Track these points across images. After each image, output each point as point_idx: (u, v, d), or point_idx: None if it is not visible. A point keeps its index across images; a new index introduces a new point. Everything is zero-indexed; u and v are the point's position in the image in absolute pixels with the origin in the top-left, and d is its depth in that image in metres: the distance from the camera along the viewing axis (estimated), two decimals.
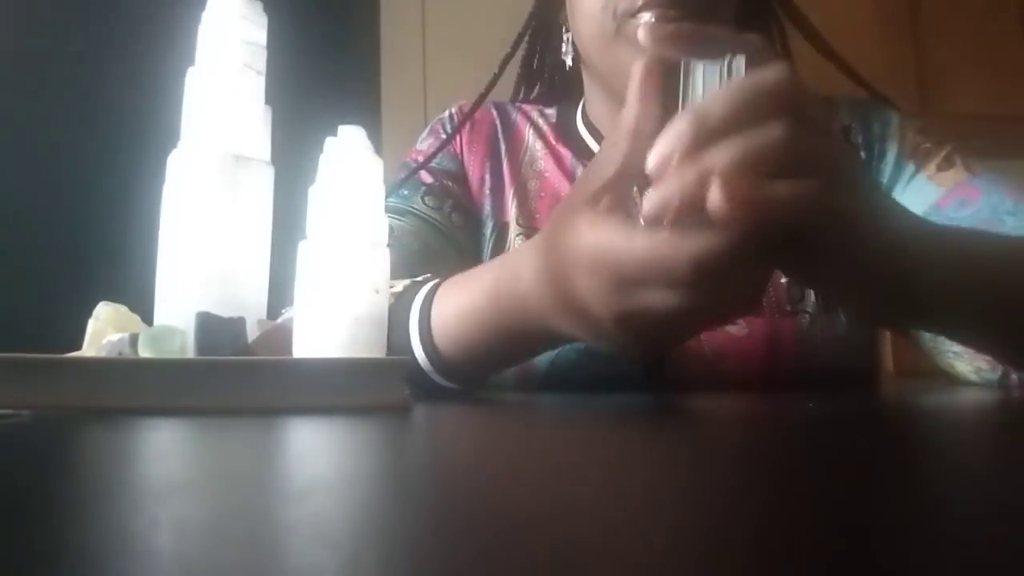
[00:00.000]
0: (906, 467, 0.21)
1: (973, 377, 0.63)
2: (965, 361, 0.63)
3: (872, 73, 0.72)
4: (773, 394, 0.57)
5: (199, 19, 0.43)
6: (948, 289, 0.42)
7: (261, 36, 0.44)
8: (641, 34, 0.39)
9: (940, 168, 0.65)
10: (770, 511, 0.15)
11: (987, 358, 0.60)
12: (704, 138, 0.35)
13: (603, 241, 0.38)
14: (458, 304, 0.50)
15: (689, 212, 0.34)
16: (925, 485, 0.18)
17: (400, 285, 0.55)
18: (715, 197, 0.33)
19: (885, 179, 0.68)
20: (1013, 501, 0.16)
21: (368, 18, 1.94)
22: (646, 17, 0.59)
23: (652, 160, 0.36)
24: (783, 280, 0.67)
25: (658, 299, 0.37)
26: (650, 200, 0.35)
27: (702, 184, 0.34)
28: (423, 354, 0.52)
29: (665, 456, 0.24)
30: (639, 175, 0.38)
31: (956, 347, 0.63)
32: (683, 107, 0.38)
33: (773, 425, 0.36)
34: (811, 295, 0.67)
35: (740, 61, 0.37)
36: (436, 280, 0.54)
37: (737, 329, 0.65)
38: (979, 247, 0.46)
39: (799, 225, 0.35)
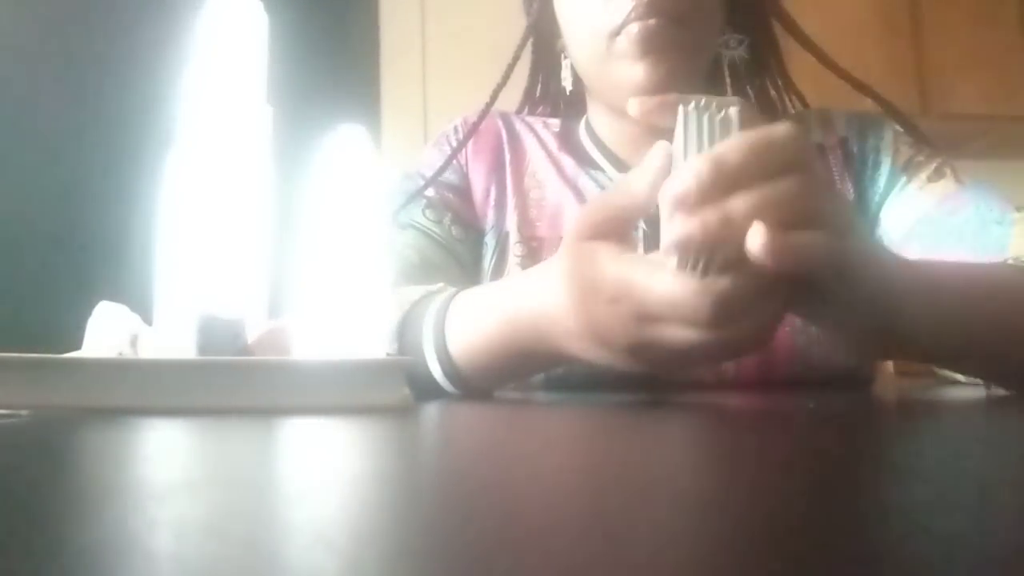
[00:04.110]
0: (902, 465, 0.21)
1: (962, 378, 0.65)
2: None
3: (872, 73, 0.73)
4: (772, 393, 0.57)
5: (199, 19, 0.43)
6: (931, 323, 0.45)
7: (261, 36, 0.44)
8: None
9: (931, 179, 0.68)
10: (768, 511, 0.15)
11: None
12: (722, 185, 0.37)
13: (626, 275, 0.40)
14: (474, 316, 0.52)
15: (709, 253, 0.37)
16: (919, 483, 0.18)
17: (416, 293, 0.56)
18: (755, 242, 0.35)
19: (880, 189, 0.71)
20: (1002, 497, 0.16)
21: (368, 18, 1.94)
22: (633, 28, 0.61)
23: (668, 199, 0.38)
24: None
25: (676, 334, 0.40)
26: (671, 238, 0.38)
27: (724, 227, 0.36)
28: (436, 360, 0.53)
29: (665, 455, 0.24)
30: (645, 214, 0.42)
31: None
32: (685, 153, 0.40)
33: (773, 424, 0.36)
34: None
35: (734, 112, 0.39)
36: (451, 290, 0.55)
37: None
38: (958, 281, 0.49)
39: (811, 272, 0.38)
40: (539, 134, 0.78)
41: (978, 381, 0.62)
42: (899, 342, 0.46)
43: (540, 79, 0.80)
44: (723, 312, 0.38)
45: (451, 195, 0.74)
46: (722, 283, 0.37)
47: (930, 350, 0.48)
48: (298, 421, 0.33)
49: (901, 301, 0.43)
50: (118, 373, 0.37)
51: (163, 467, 0.22)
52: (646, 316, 0.40)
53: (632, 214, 0.44)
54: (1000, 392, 0.55)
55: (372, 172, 0.44)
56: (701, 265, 0.37)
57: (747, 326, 0.39)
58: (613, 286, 0.41)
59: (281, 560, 0.11)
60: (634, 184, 0.42)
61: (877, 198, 0.71)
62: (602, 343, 0.43)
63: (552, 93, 0.80)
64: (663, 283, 0.39)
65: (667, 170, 0.41)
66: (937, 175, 0.68)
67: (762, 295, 0.38)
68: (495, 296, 0.51)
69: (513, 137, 0.78)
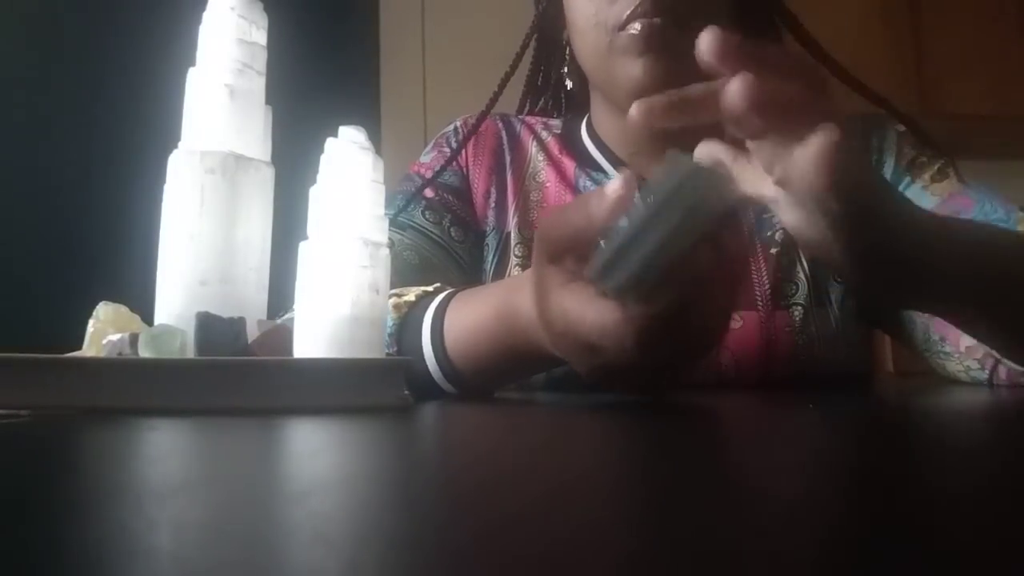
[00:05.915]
0: (902, 465, 0.21)
1: (963, 376, 0.65)
2: (955, 361, 0.65)
3: (872, 74, 0.73)
4: (772, 392, 0.57)
5: (199, 19, 0.43)
6: (948, 271, 0.45)
7: (261, 36, 0.44)
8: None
9: (934, 179, 0.69)
10: (766, 509, 0.15)
11: (977, 357, 0.62)
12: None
13: (566, 307, 0.41)
14: (471, 318, 0.52)
15: (634, 282, 0.37)
16: (916, 482, 0.18)
17: (412, 293, 0.56)
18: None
19: None
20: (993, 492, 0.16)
21: (368, 18, 1.94)
22: (635, 27, 0.62)
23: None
24: (776, 274, 0.68)
25: (618, 359, 0.40)
26: (588, 266, 0.39)
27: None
28: (434, 361, 0.53)
29: (663, 456, 0.24)
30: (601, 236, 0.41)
31: (947, 347, 0.64)
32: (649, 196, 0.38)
33: (773, 423, 0.36)
34: (802, 288, 0.68)
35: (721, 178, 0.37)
36: (449, 290, 0.55)
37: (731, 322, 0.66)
38: (978, 237, 0.49)
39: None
40: (539, 135, 0.78)
41: (980, 377, 0.62)
42: (915, 286, 0.45)
43: (542, 69, 0.80)
44: (647, 337, 0.38)
45: (451, 197, 0.75)
46: (641, 310, 0.38)
47: (944, 300, 0.47)
48: (298, 421, 0.33)
49: (921, 244, 0.43)
50: (118, 373, 0.37)
51: (163, 467, 0.22)
52: (589, 346, 0.41)
53: (588, 236, 0.43)
54: (1001, 387, 0.55)
55: (372, 173, 0.44)
56: (624, 293, 0.38)
57: (678, 346, 0.40)
58: (560, 320, 0.42)
59: (281, 560, 0.11)
60: (592, 206, 0.41)
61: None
62: (572, 363, 0.44)
63: (554, 84, 0.81)
64: (594, 313, 0.39)
65: (628, 198, 0.40)
66: (941, 175, 0.68)
67: (688, 315, 0.38)
68: (491, 297, 0.51)
69: (513, 138, 0.78)
